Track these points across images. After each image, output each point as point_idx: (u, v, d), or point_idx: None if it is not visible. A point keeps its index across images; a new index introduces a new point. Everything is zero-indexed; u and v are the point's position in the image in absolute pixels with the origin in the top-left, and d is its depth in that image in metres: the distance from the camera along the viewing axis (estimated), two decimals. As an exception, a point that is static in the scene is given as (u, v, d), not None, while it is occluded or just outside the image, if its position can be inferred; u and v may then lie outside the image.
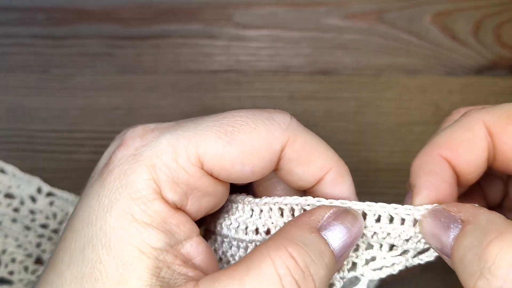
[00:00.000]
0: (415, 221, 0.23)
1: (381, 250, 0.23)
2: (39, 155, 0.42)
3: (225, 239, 0.25)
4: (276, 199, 0.23)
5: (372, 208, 0.23)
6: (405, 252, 0.23)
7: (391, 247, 0.23)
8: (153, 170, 0.22)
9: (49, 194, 0.41)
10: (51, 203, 0.40)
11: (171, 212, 0.22)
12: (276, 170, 0.24)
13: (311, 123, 0.43)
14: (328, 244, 0.21)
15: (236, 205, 0.24)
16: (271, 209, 0.23)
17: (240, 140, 0.22)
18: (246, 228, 0.24)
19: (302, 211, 0.23)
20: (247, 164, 0.22)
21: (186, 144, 0.22)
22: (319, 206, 0.23)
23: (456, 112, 0.27)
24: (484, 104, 0.43)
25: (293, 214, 0.23)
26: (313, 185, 0.24)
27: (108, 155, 0.23)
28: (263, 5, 0.45)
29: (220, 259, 0.25)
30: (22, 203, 0.40)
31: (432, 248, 0.22)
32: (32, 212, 0.40)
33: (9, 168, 0.41)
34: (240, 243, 0.24)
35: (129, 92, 0.44)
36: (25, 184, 0.41)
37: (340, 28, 0.45)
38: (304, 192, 0.25)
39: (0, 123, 0.43)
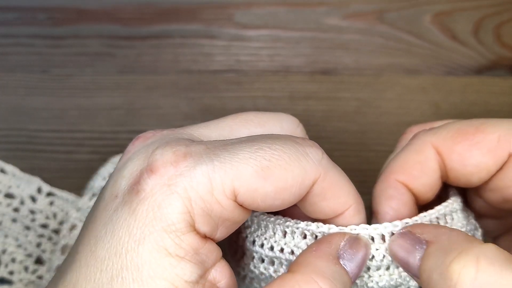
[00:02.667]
0: None
1: None
2: (39, 155, 0.42)
3: (255, 254, 0.25)
4: (301, 224, 0.24)
5: (379, 230, 0.23)
6: None
7: None
8: (189, 203, 0.21)
9: (49, 194, 0.41)
10: (51, 203, 0.40)
11: (202, 243, 0.22)
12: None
13: (311, 123, 0.43)
14: (348, 273, 0.22)
15: (264, 223, 0.25)
16: (294, 232, 0.24)
17: (275, 176, 0.22)
18: (272, 247, 0.24)
19: (314, 237, 0.24)
20: (279, 198, 0.22)
21: (223, 177, 0.21)
22: (332, 234, 0.23)
23: (409, 131, 0.28)
24: (484, 104, 0.43)
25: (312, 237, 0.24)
26: (329, 218, 0.24)
27: (130, 176, 0.22)
28: (263, 5, 0.45)
29: (251, 272, 0.25)
30: (22, 203, 0.40)
31: (404, 270, 0.23)
32: (32, 212, 0.40)
33: (9, 168, 0.41)
34: (274, 259, 0.25)
35: (129, 92, 0.44)
36: (25, 184, 0.41)
37: (340, 28, 0.45)
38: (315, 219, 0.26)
39: (0, 123, 0.43)
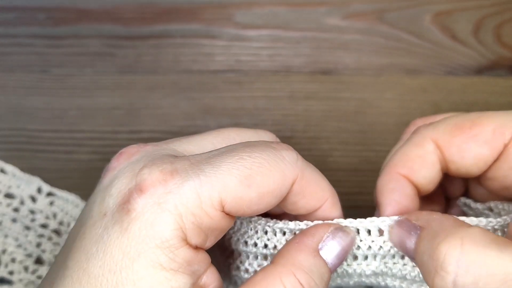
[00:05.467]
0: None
1: None
2: (39, 155, 0.42)
3: (244, 253, 0.26)
4: (280, 224, 0.26)
5: (364, 224, 0.25)
6: None
7: None
8: (180, 219, 0.22)
9: (49, 194, 0.41)
10: (51, 203, 0.40)
11: (194, 254, 0.22)
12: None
13: (311, 123, 0.43)
14: (327, 264, 0.24)
15: (245, 223, 0.26)
16: (274, 231, 0.26)
17: (258, 183, 0.23)
18: (256, 244, 0.26)
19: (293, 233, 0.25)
20: (263, 203, 0.24)
21: (210, 191, 0.22)
22: (317, 225, 0.25)
23: (413, 124, 0.30)
24: (484, 104, 0.43)
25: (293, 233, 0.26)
26: (310, 212, 0.26)
27: (118, 194, 0.23)
28: (264, 5, 0.45)
29: (238, 267, 0.27)
30: (22, 203, 0.40)
31: (404, 254, 0.25)
32: (32, 212, 0.40)
33: (9, 168, 0.41)
34: (257, 255, 0.26)
35: (129, 92, 0.44)
36: (25, 184, 0.41)
37: (341, 28, 0.45)
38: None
39: (0, 123, 0.43)
